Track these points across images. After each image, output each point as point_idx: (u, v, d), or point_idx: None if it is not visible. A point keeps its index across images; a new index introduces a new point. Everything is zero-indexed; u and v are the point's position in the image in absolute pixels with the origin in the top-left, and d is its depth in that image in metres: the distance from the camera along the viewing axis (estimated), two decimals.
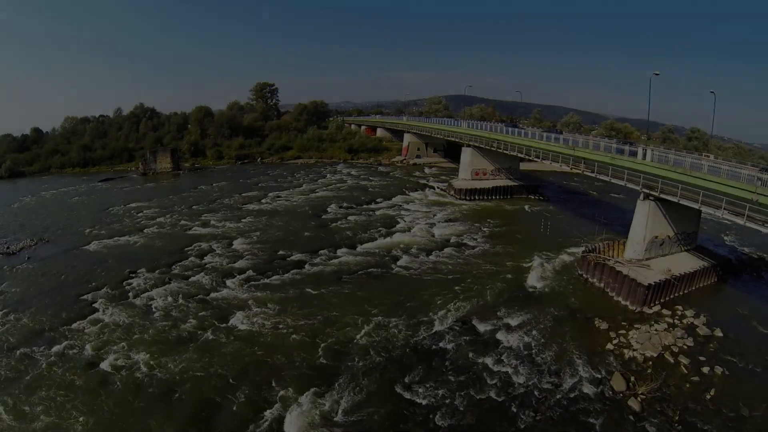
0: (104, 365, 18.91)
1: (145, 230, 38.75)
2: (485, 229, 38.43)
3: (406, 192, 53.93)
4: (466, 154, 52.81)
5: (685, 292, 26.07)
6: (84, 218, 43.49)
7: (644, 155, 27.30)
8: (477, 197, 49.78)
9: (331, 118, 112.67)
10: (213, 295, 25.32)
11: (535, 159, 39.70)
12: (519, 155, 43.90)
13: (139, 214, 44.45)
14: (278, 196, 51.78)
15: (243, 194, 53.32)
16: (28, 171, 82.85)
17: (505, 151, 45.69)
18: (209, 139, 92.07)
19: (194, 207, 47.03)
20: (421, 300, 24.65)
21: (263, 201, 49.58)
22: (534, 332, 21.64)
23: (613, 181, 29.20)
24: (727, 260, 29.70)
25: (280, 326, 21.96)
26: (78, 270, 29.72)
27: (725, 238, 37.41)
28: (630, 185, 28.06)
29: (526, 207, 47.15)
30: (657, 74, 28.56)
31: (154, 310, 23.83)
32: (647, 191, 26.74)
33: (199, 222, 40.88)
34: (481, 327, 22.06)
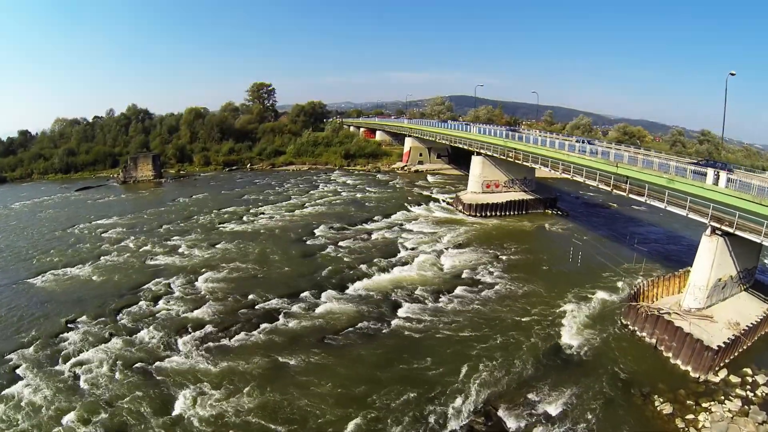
0: None
1: (102, 258, 33.58)
2: (503, 257, 32.61)
3: (408, 207, 48.10)
4: (476, 163, 46.83)
5: (749, 344, 21.30)
6: (44, 239, 39.90)
7: (716, 179, 21.19)
8: (489, 213, 43.92)
9: (330, 120, 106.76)
10: (157, 364, 19.61)
11: (565, 174, 33.58)
12: (542, 168, 37.87)
13: (103, 235, 40.07)
14: (262, 213, 45.95)
15: (223, 210, 47.84)
16: (10, 177, 78.23)
17: (524, 163, 39.63)
18: (198, 142, 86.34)
19: (165, 226, 41.65)
20: (428, 375, 18.79)
21: (244, 219, 43.99)
22: (581, 425, 16.26)
23: (670, 209, 23.25)
24: None
25: (237, 419, 16.28)
26: (15, 314, 25.35)
27: (764, 260, 31.61)
28: (693, 216, 22.17)
29: (546, 225, 41.58)
30: (733, 74, 22.66)
31: (82, 384, 18.69)
32: (716, 225, 21.03)
33: (166, 248, 35.36)
34: (511, 421, 16.30)
